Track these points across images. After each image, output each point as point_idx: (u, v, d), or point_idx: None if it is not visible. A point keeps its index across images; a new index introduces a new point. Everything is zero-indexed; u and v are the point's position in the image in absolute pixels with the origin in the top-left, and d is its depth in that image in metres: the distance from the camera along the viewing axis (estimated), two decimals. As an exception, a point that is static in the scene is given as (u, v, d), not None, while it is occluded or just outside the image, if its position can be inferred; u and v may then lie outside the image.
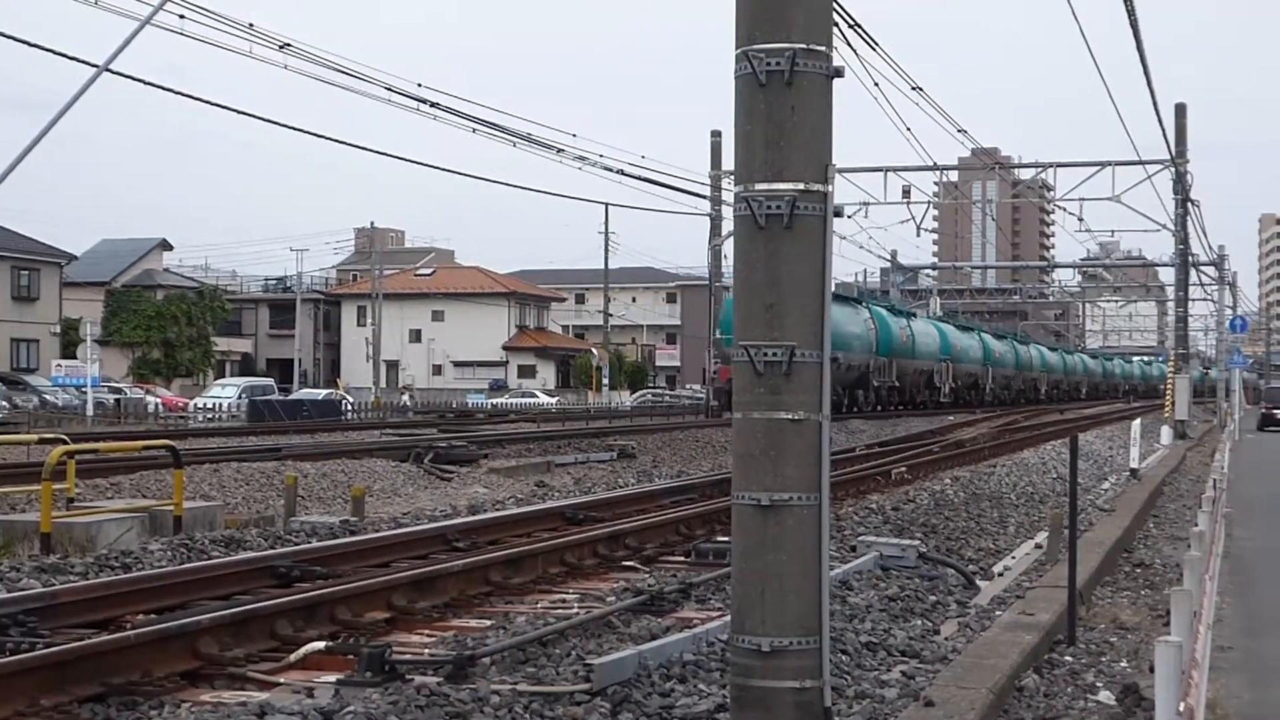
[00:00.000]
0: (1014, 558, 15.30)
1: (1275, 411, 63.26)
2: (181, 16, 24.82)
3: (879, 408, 57.47)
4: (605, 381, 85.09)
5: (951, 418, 53.03)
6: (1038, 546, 15.74)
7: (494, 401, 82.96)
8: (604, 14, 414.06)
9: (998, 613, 11.12)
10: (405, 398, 79.45)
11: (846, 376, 52.70)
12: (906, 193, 54.94)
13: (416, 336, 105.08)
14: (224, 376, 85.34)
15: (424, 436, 34.67)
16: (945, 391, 66.10)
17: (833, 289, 7.08)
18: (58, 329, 75.59)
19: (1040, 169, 58.36)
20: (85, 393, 54.33)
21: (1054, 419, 56.67)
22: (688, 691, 8.30)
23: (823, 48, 6.82)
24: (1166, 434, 39.79)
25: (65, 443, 18.37)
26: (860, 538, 14.81)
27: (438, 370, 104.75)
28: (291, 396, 67.87)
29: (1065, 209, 55.17)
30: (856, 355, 54.09)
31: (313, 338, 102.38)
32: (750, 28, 6.82)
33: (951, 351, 67.51)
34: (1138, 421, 28.06)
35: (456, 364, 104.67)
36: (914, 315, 67.07)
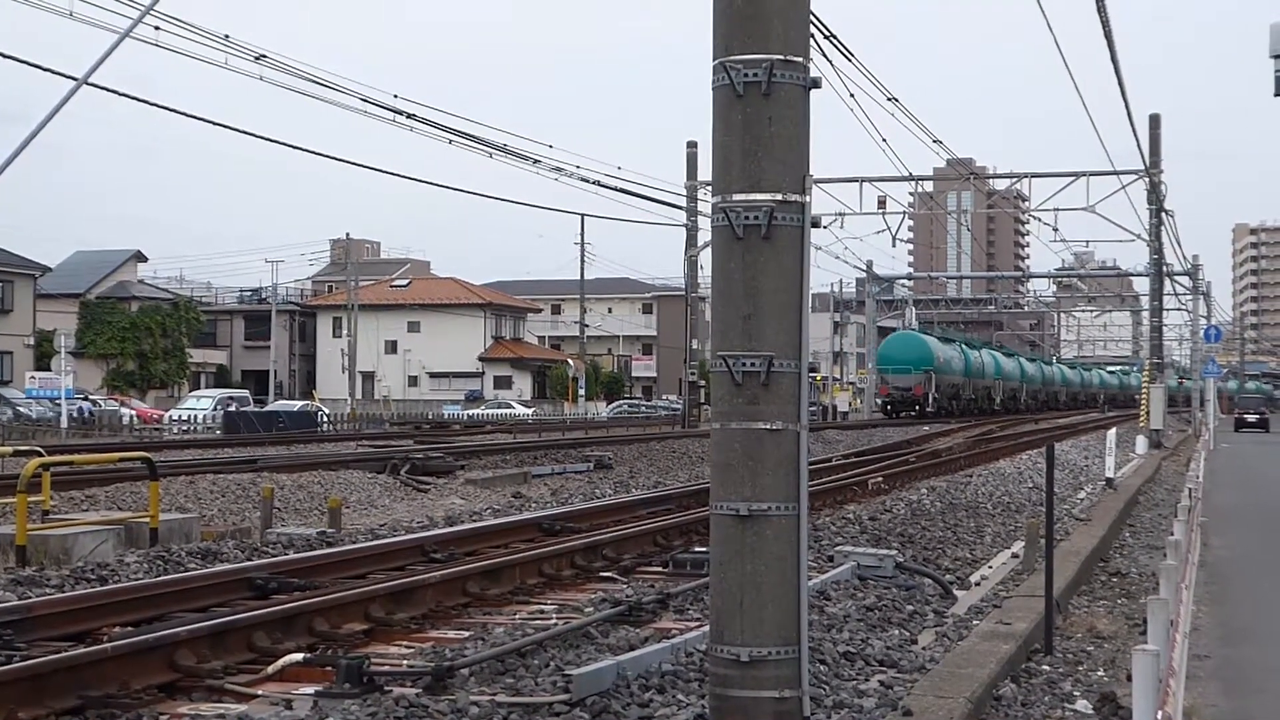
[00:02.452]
0: (991, 567, 15.34)
1: (1246, 416, 78.49)
2: (157, 28, 24.80)
3: (962, 414, 75.79)
4: (581, 392, 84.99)
5: (995, 423, 62.57)
6: (1014, 556, 15.77)
7: (470, 413, 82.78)
8: (578, 24, 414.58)
9: (975, 622, 11.15)
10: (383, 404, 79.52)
11: (949, 391, 76.32)
12: (882, 203, 54.94)
13: (392, 348, 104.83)
14: (199, 388, 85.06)
15: (400, 448, 34.61)
16: (997, 402, 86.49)
17: (810, 300, 7.10)
18: (32, 341, 75.27)
19: (1015, 179, 58.46)
20: (59, 405, 54.13)
21: (1029, 429, 56.85)
22: (666, 702, 8.30)
23: (800, 59, 6.85)
24: (1141, 443, 39.93)
25: (40, 455, 18.29)
26: (838, 547, 14.85)
27: (414, 381, 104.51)
28: (267, 408, 67.69)
29: (1040, 219, 55.16)
30: (956, 377, 77.75)
31: (288, 349, 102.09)
32: (728, 38, 6.84)
33: (1002, 373, 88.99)
34: (1113, 431, 28.14)
35: (432, 375, 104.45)
36: (981, 347, 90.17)
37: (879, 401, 77.18)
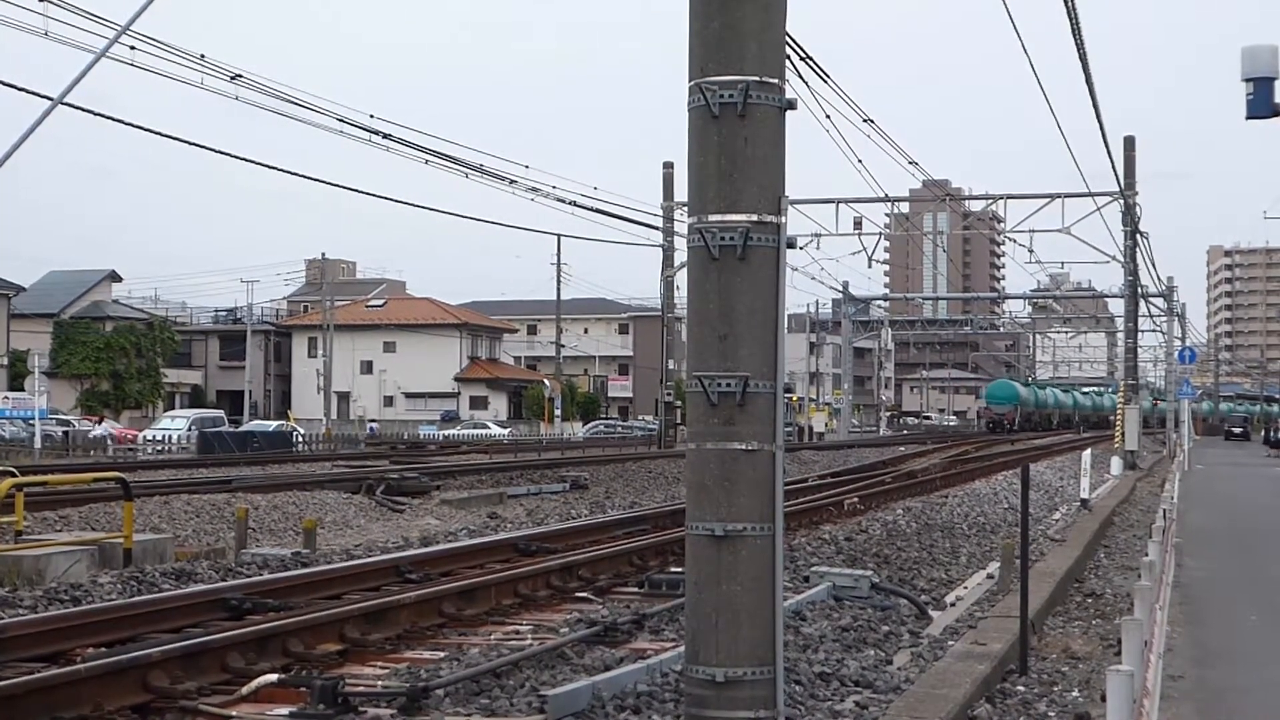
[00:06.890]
0: (966, 588, 15.35)
1: (1233, 429, 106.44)
2: (132, 48, 24.77)
3: (1033, 430, 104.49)
4: (557, 413, 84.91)
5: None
6: (989, 576, 15.80)
7: (446, 433, 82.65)
8: (554, 44, 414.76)
9: (950, 643, 11.15)
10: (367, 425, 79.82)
11: (1025, 415, 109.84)
12: (858, 224, 55.12)
13: (368, 368, 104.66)
14: (174, 408, 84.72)
15: (375, 468, 34.53)
16: (1054, 423, 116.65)
17: (786, 321, 7.11)
18: (5, 361, 74.95)
19: (990, 201, 58.66)
20: (33, 425, 53.89)
21: (1004, 449, 57.00)
22: (642, 723, 8.29)
23: (775, 80, 6.86)
24: (1116, 464, 40.05)
25: (13, 475, 18.20)
26: (813, 568, 14.85)
27: (389, 402, 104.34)
28: (242, 428, 67.49)
29: (1015, 240, 55.41)
30: (1030, 407, 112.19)
31: (263, 369, 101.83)
32: (703, 60, 6.85)
33: (1058, 403, 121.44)
34: (1088, 452, 28.20)
35: (408, 395, 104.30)
36: (1045, 386, 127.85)
37: (983, 423, 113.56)
